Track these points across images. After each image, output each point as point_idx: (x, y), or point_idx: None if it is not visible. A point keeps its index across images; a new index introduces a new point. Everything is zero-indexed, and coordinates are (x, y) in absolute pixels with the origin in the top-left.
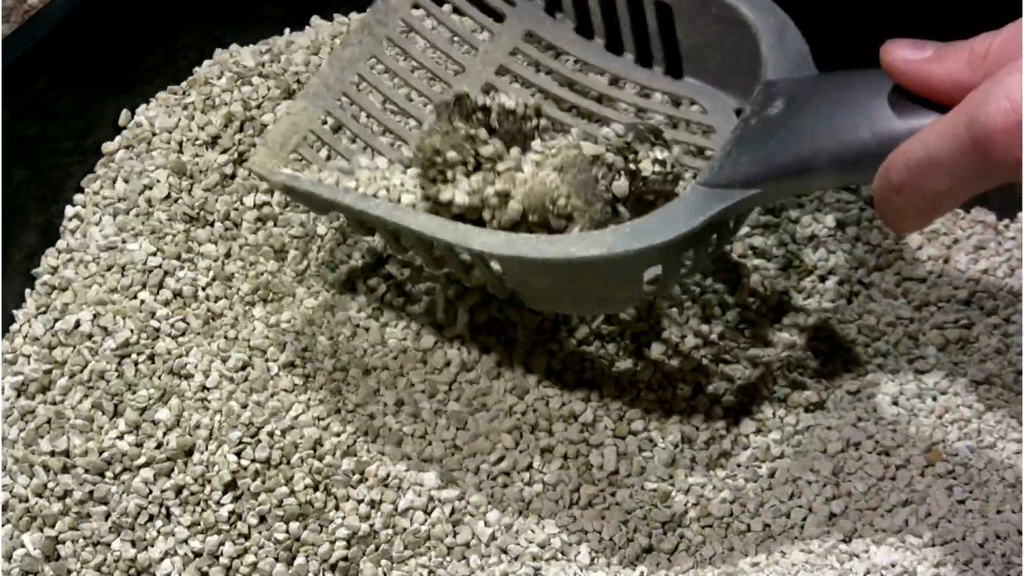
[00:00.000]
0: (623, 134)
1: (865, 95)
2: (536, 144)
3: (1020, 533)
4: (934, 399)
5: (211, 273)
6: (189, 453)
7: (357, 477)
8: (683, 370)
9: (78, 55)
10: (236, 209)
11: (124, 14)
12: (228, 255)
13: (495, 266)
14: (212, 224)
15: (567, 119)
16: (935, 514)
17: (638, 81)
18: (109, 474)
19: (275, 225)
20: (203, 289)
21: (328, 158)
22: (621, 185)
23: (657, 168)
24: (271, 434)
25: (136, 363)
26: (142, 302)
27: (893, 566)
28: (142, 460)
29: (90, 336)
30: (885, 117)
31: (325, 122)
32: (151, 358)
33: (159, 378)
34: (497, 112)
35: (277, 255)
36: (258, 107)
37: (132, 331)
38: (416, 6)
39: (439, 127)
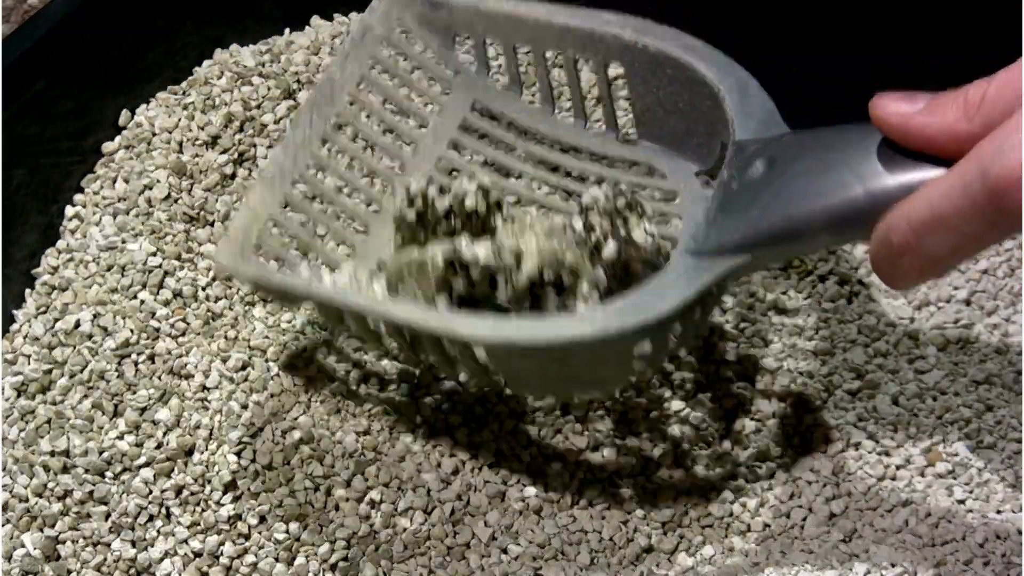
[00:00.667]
0: (610, 198)
1: (852, 151)
2: (500, 221)
3: (1020, 533)
4: (934, 399)
5: (211, 273)
6: (189, 453)
7: (358, 478)
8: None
9: (78, 55)
10: (236, 209)
11: (124, 14)
12: None
13: (480, 354)
14: (212, 224)
15: (529, 193)
16: (935, 514)
17: (591, 148)
18: (109, 474)
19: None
20: (203, 289)
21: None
22: (610, 249)
23: (648, 236)
24: (271, 434)
25: (136, 363)
26: (142, 302)
27: (893, 566)
28: (142, 460)
29: (90, 336)
30: (877, 173)
31: (286, 205)
32: (151, 358)
33: (159, 378)
34: (457, 209)
35: None
36: (258, 107)
37: (132, 331)
38: (361, 83)
39: (403, 236)
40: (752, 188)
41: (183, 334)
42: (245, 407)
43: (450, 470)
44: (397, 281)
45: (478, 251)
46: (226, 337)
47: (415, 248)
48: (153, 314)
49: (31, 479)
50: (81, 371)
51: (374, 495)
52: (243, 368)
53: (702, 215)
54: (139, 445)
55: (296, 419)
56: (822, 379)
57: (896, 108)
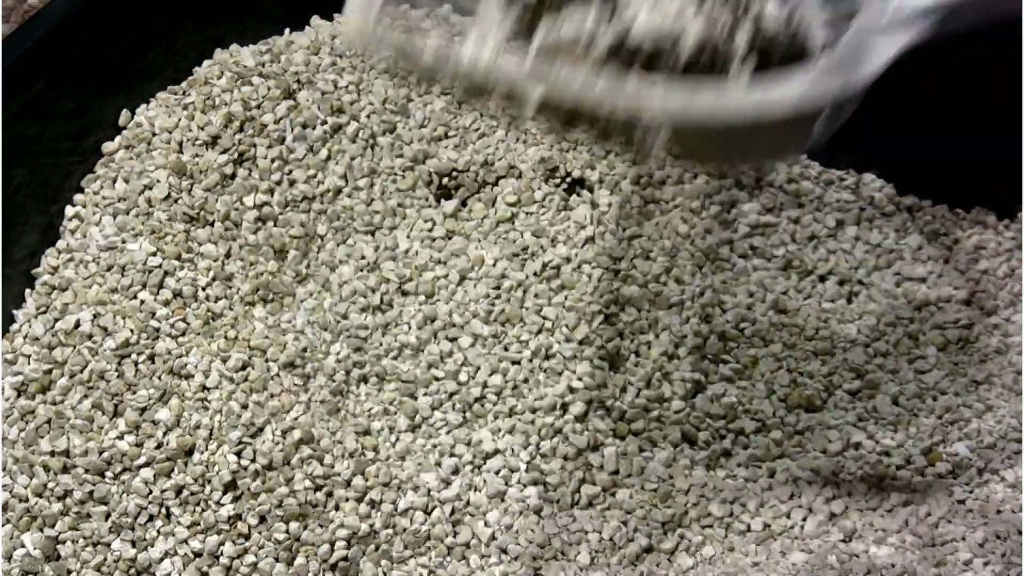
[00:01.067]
0: None
1: None
2: None
3: (1020, 533)
4: (934, 399)
5: (211, 273)
6: (189, 453)
7: (358, 478)
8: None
9: (78, 55)
10: (236, 209)
11: (124, 14)
12: (228, 255)
13: (662, 128)
14: (212, 224)
15: None
16: (935, 514)
17: None
18: (109, 474)
19: (275, 225)
20: (203, 289)
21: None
22: (771, 14)
23: (779, 19)
24: (271, 434)
25: (136, 363)
26: (142, 302)
27: (893, 566)
28: (142, 460)
29: (90, 336)
30: None
31: None
32: (151, 358)
33: (159, 378)
34: None
35: (277, 255)
36: (258, 107)
37: (132, 331)
38: None
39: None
40: None
41: (183, 334)
42: (245, 407)
43: (450, 470)
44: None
45: (650, 21)
46: (226, 337)
47: (557, 22)
48: (153, 314)
49: (31, 479)
50: (81, 371)
51: (374, 495)
52: (243, 368)
53: None
54: (139, 445)
55: (296, 419)
56: (822, 379)
57: None
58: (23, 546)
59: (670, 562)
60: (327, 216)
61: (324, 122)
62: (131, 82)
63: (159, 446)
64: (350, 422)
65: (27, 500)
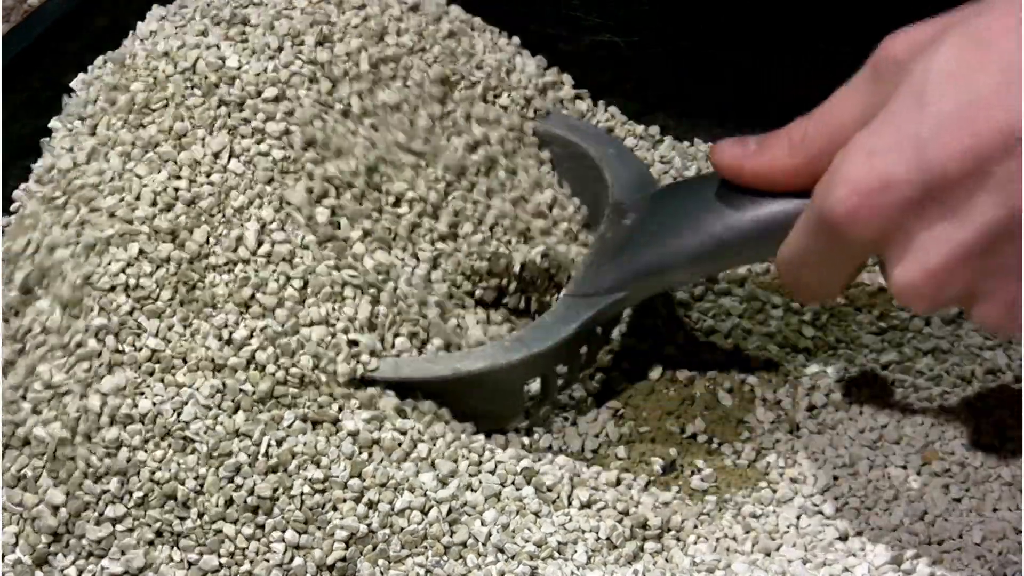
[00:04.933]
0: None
1: (707, 195)
2: None
3: (1017, 532)
4: (931, 399)
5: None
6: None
7: (354, 479)
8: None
9: (77, 54)
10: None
11: (123, 13)
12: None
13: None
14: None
15: None
16: (932, 512)
17: None
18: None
19: None
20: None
21: None
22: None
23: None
24: (268, 442)
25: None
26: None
27: (891, 564)
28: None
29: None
30: (728, 211)
31: None
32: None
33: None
34: None
35: None
36: None
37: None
38: None
39: None
40: (625, 236)
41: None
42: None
43: (447, 470)
44: None
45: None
46: None
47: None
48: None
49: (23, 492)
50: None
51: (371, 495)
52: None
53: (582, 263)
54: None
55: (290, 426)
56: (821, 379)
57: (731, 152)
58: (14, 552)
59: (668, 561)
60: None
61: None
62: None
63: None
64: (347, 423)
65: (21, 505)
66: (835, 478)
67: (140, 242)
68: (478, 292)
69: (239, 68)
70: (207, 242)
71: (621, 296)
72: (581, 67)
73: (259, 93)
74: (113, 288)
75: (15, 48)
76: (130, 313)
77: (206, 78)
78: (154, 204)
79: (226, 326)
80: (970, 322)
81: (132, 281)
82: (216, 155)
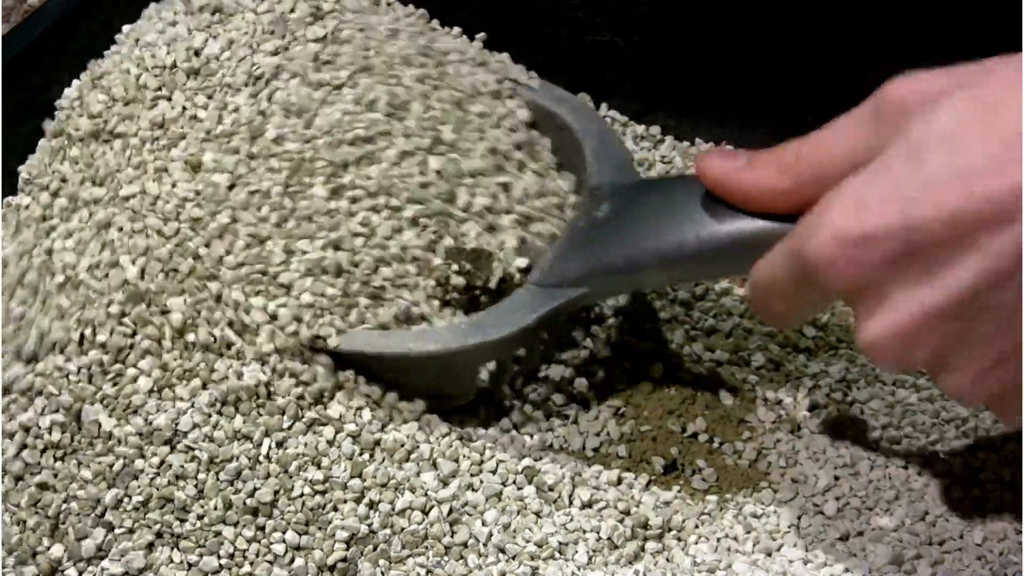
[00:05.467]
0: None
1: (686, 199)
2: None
3: (1018, 532)
4: (931, 400)
5: None
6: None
7: (355, 479)
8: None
9: (77, 54)
10: None
11: (122, 13)
12: None
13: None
14: None
15: None
16: (932, 513)
17: None
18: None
19: None
20: None
21: None
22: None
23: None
24: (268, 445)
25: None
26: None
27: (891, 564)
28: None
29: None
30: (706, 220)
31: None
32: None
33: None
34: None
35: None
36: None
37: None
38: None
39: None
40: (596, 227)
41: None
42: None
43: (448, 470)
44: None
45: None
46: None
47: None
48: None
49: (25, 509)
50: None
51: (372, 496)
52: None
53: (551, 251)
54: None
55: (290, 428)
56: (821, 380)
57: (720, 164)
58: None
59: (668, 561)
60: None
61: None
62: None
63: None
64: (347, 424)
65: (20, 508)
66: (836, 478)
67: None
68: (449, 298)
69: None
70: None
71: (585, 291)
72: (581, 67)
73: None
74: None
75: (15, 48)
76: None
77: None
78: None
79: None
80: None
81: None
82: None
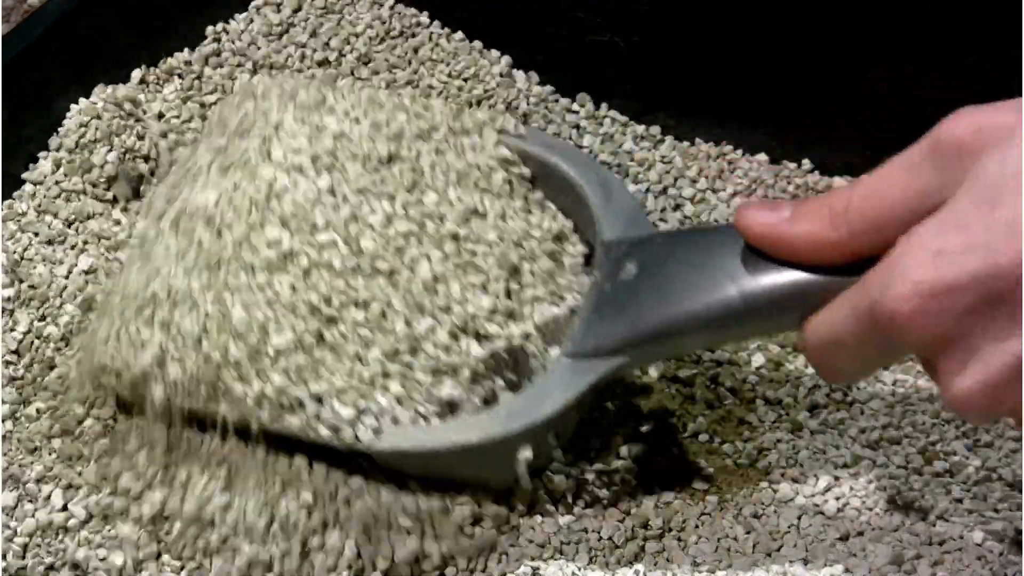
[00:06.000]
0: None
1: (724, 254)
2: None
3: (1018, 532)
4: (931, 400)
5: None
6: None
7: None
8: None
9: (76, 54)
10: None
11: (121, 13)
12: None
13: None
14: None
15: None
16: (932, 513)
17: None
18: None
19: None
20: None
21: None
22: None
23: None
24: None
25: None
26: None
27: (891, 565)
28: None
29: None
30: (749, 275)
31: None
32: None
33: None
34: None
35: None
36: None
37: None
38: None
39: None
40: (627, 291)
41: None
42: None
43: None
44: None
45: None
46: None
47: None
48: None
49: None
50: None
51: None
52: None
53: (579, 318)
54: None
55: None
56: (821, 380)
57: (763, 219)
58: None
59: (669, 561)
60: None
61: None
62: (128, 80)
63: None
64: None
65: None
66: (836, 478)
67: None
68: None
69: None
70: None
71: (624, 361)
72: (581, 67)
73: None
74: None
75: (15, 48)
76: None
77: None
78: None
79: None
80: None
81: None
82: None
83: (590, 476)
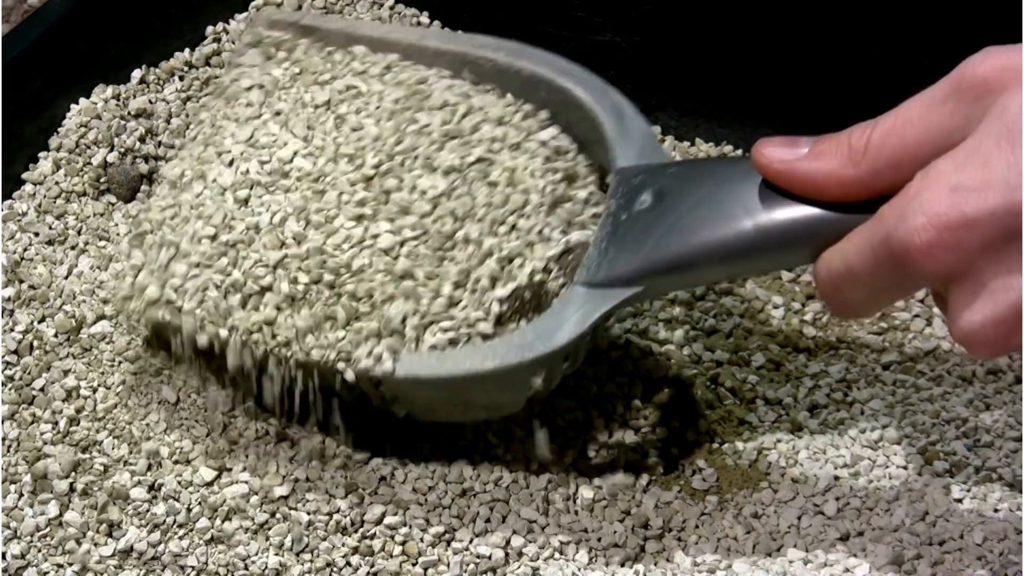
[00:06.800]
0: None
1: (741, 187)
2: None
3: (1018, 532)
4: (931, 400)
5: None
6: None
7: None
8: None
9: (76, 54)
10: None
11: (121, 13)
12: None
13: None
14: None
15: None
16: (933, 513)
17: None
18: None
19: None
20: None
21: None
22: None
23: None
24: None
25: None
26: None
27: (892, 565)
28: None
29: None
30: (765, 209)
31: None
32: None
33: None
34: None
35: None
36: None
37: None
38: None
39: None
40: (643, 220)
41: None
42: None
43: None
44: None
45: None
46: None
47: None
48: None
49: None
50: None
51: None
52: None
53: (593, 247)
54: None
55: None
56: (821, 380)
57: (780, 155)
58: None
59: (669, 561)
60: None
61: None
62: (129, 80)
63: None
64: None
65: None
66: (836, 478)
67: None
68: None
69: None
70: None
71: (638, 291)
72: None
73: None
74: None
75: (15, 48)
76: None
77: None
78: None
79: None
80: None
81: None
82: None
83: (629, 440)
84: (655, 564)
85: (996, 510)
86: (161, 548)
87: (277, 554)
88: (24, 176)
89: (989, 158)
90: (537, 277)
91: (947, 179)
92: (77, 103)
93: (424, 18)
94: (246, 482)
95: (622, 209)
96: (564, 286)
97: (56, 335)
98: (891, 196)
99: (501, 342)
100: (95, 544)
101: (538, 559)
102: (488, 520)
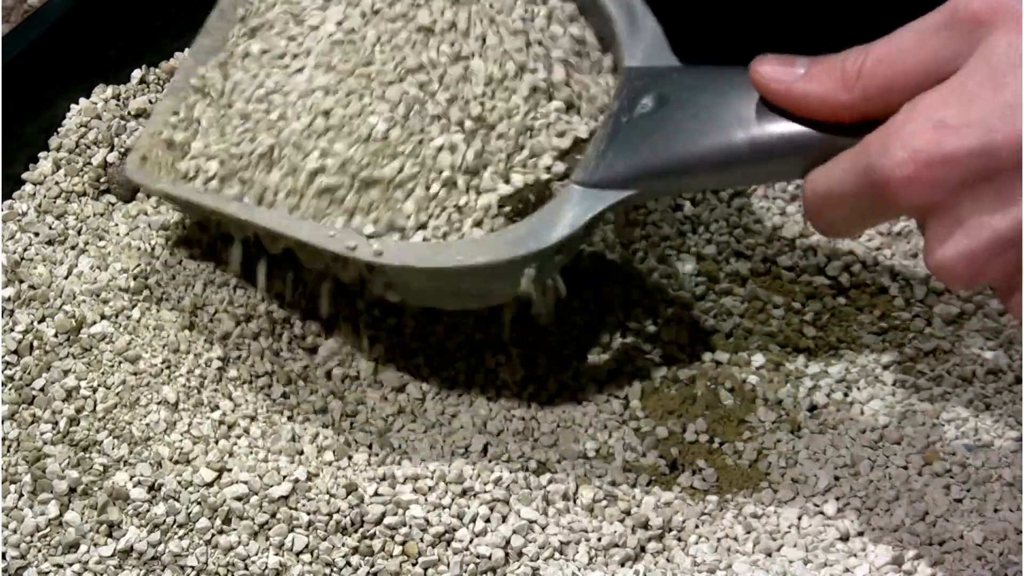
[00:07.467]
0: None
1: (738, 97)
2: None
3: (1018, 532)
4: (932, 400)
5: None
6: None
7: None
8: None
9: (76, 55)
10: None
11: (120, 14)
12: None
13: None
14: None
15: None
16: (933, 513)
17: None
18: None
19: None
20: None
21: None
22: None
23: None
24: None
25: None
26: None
27: (892, 565)
28: None
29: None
30: (761, 125)
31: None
32: None
33: None
34: None
35: None
36: None
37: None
38: None
39: None
40: (642, 124)
41: None
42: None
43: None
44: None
45: None
46: None
47: None
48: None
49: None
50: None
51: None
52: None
53: (592, 146)
54: None
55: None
56: (821, 380)
57: (776, 74)
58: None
59: (669, 561)
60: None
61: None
62: (129, 80)
63: None
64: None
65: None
66: (836, 478)
67: None
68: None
69: None
70: None
71: (633, 193)
72: None
73: None
74: None
75: (15, 48)
76: None
77: None
78: None
79: None
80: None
81: None
82: None
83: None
84: (655, 564)
85: (996, 510)
86: (161, 548)
87: (277, 554)
88: (24, 176)
89: (973, 97)
90: (544, 176)
91: (931, 114)
92: (77, 103)
93: None
94: (246, 482)
95: (623, 111)
96: (561, 182)
97: (56, 335)
98: (881, 121)
99: (494, 236)
100: (95, 544)
101: (538, 559)
102: (488, 520)
